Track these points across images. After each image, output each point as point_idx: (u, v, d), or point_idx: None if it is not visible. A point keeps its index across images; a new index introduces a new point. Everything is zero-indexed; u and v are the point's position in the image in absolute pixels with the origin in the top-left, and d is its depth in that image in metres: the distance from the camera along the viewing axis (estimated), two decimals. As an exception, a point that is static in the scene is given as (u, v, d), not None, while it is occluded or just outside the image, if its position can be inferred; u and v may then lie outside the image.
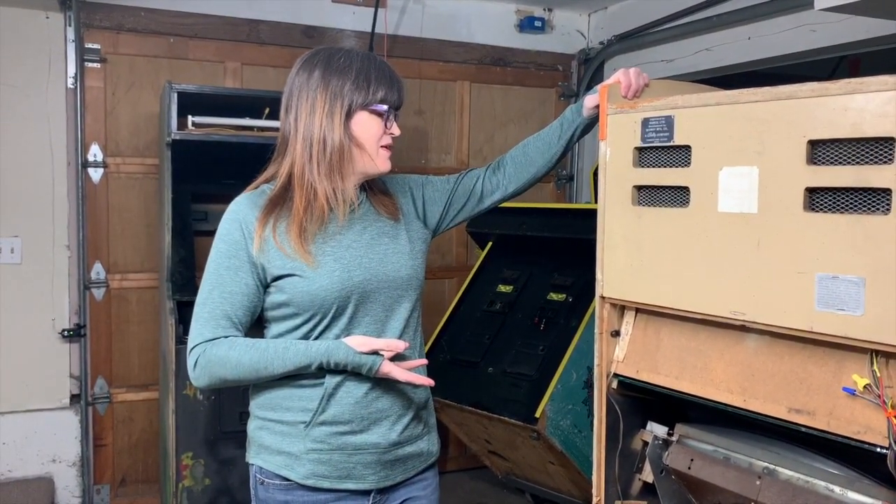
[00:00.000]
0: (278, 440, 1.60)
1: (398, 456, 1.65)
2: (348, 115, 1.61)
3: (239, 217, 1.59)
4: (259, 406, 1.65)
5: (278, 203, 1.60)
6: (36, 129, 3.41)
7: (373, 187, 1.71)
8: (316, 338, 1.59)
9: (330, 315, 1.57)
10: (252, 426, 1.67)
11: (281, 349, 1.55)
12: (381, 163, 1.65)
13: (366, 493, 1.63)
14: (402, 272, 1.66)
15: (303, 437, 1.58)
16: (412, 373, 1.57)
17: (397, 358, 1.58)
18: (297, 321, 1.59)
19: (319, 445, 1.58)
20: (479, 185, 1.85)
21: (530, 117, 4.40)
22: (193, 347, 1.55)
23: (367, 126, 1.62)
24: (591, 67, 4.34)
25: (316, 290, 1.55)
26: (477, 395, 3.34)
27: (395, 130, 1.65)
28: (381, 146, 1.64)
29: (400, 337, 1.64)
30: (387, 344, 1.54)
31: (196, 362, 1.55)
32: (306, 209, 1.58)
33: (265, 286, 1.59)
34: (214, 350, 1.53)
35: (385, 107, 1.62)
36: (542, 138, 1.83)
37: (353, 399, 1.58)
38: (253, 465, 1.65)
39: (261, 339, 1.62)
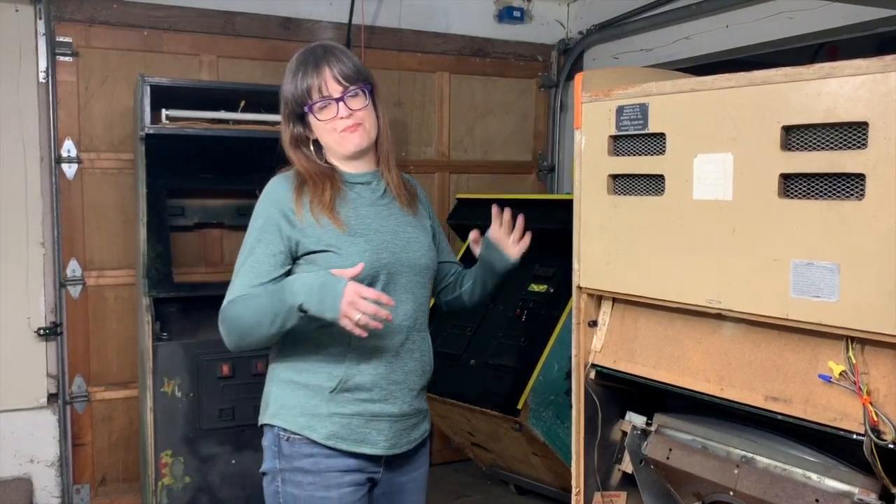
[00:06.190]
0: (302, 401, 1.69)
1: (406, 426, 1.76)
2: (299, 118, 1.73)
3: (275, 196, 1.71)
4: (283, 368, 1.73)
5: (304, 182, 1.72)
6: (7, 124, 3.34)
7: (394, 177, 1.80)
8: (304, 322, 1.62)
9: None
10: (272, 388, 1.76)
11: (275, 287, 1.62)
12: (342, 147, 1.73)
13: (377, 459, 1.73)
14: (421, 260, 1.77)
15: (327, 401, 1.68)
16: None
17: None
18: None
19: (341, 409, 1.68)
20: (448, 275, 1.98)
21: (511, 108, 4.38)
22: (220, 312, 1.67)
23: (315, 124, 1.73)
24: (570, 57, 4.32)
25: (349, 266, 1.63)
26: (459, 388, 3.33)
27: (343, 112, 1.69)
28: (341, 131, 1.70)
29: (415, 317, 1.75)
30: (374, 310, 1.55)
31: (220, 322, 1.67)
32: (315, 190, 1.70)
33: (294, 259, 1.69)
34: (230, 308, 1.65)
35: (306, 105, 1.70)
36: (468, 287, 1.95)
37: (375, 370, 1.69)
38: (274, 426, 1.71)
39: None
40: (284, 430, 1.70)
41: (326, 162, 1.76)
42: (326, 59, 1.69)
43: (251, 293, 1.63)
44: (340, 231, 1.67)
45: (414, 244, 1.76)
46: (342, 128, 1.69)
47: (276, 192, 1.71)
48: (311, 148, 1.76)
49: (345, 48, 1.78)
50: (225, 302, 1.67)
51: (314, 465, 1.68)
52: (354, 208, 1.72)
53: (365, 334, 1.56)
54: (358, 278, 1.61)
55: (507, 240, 1.86)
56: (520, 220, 1.88)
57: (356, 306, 1.52)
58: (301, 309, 1.56)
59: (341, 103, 1.68)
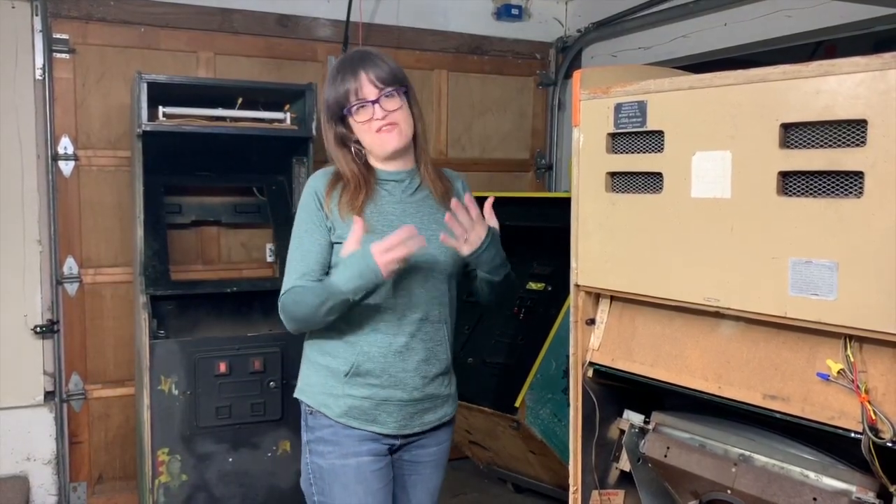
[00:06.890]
0: (322, 381, 1.87)
1: (417, 409, 1.88)
2: (341, 120, 1.84)
3: (314, 189, 1.86)
4: (312, 350, 1.92)
5: (339, 179, 1.85)
6: (4, 121, 3.33)
7: (430, 173, 1.91)
8: (359, 301, 1.76)
9: None
10: (303, 365, 1.95)
11: (322, 288, 1.78)
12: (379, 147, 1.83)
13: (393, 435, 1.87)
14: (440, 256, 1.86)
15: (342, 383, 1.84)
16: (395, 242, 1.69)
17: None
18: None
19: (353, 392, 1.83)
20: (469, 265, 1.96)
21: (509, 106, 4.37)
22: (279, 300, 1.84)
23: (354, 125, 1.84)
24: (569, 55, 4.32)
25: None
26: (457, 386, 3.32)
27: (378, 114, 1.79)
28: (376, 131, 1.81)
29: (427, 310, 1.85)
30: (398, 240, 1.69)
31: (280, 311, 1.84)
32: (346, 187, 1.83)
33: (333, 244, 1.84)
34: (288, 297, 1.82)
35: (345, 108, 1.80)
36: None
37: (384, 359, 1.82)
38: (301, 400, 1.92)
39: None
40: (307, 405, 1.89)
41: (365, 162, 1.87)
42: (362, 64, 1.79)
43: (303, 286, 1.79)
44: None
45: (436, 241, 1.82)
46: (377, 128, 1.80)
47: (314, 185, 1.86)
48: (354, 148, 1.86)
49: (381, 53, 1.87)
50: (282, 291, 1.83)
51: (333, 435, 1.85)
52: (381, 206, 1.84)
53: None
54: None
55: (454, 242, 1.80)
56: (470, 205, 1.81)
57: (390, 259, 1.68)
58: (353, 298, 1.72)
59: (377, 105, 1.79)
